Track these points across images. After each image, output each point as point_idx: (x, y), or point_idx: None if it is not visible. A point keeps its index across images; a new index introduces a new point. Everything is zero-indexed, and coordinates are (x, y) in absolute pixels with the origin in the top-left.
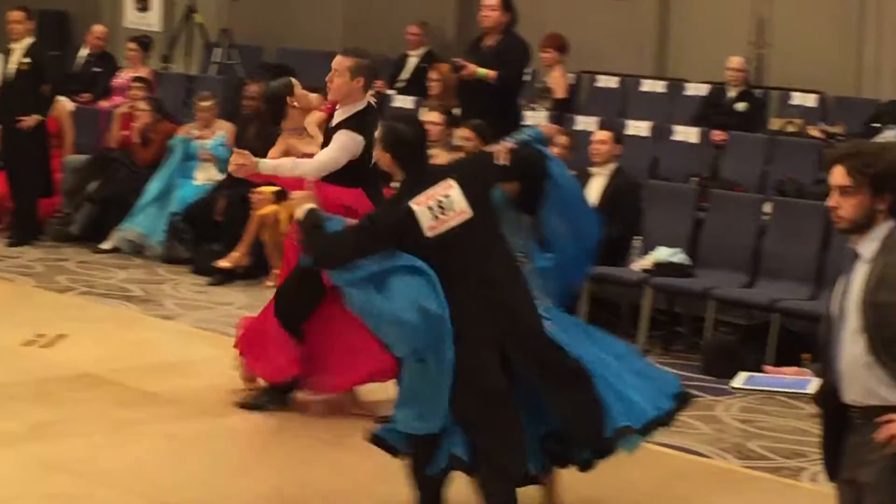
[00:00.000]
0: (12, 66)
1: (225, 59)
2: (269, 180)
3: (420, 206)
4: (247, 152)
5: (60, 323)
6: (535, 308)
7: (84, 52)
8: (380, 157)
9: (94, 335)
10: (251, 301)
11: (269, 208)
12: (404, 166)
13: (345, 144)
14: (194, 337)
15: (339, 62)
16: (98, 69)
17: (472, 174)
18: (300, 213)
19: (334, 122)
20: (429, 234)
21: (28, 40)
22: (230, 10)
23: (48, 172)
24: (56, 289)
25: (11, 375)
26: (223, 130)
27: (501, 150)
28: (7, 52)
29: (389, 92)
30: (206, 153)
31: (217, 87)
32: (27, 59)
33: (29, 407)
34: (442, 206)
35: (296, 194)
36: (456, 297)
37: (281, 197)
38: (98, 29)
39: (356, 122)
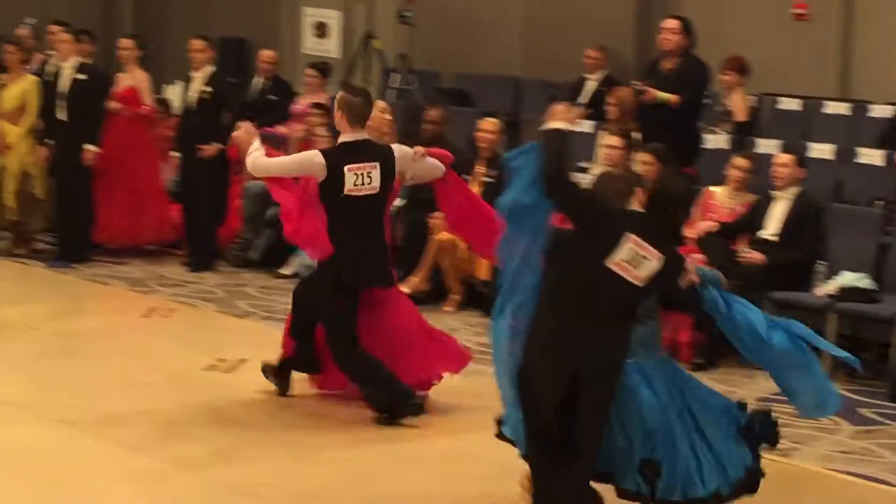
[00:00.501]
0: (193, 94)
1: (403, 84)
2: None
3: (630, 243)
4: (254, 131)
5: (241, 347)
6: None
7: (259, 80)
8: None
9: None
10: None
11: (448, 233)
12: (650, 206)
13: (298, 158)
14: None
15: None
16: (273, 96)
17: (673, 268)
18: (551, 126)
19: None
20: (609, 264)
21: (208, 69)
22: (408, 36)
23: (226, 200)
24: (236, 314)
25: (194, 400)
26: None
27: (689, 276)
28: (187, 81)
29: None
30: None
31: (395, 112)
32: (208, 88)
33: (212, 431)
34: (636, 260)
35: (557, 108)
36: (572, 324)
37: None
38: (266, 54)
39: (331, 149)
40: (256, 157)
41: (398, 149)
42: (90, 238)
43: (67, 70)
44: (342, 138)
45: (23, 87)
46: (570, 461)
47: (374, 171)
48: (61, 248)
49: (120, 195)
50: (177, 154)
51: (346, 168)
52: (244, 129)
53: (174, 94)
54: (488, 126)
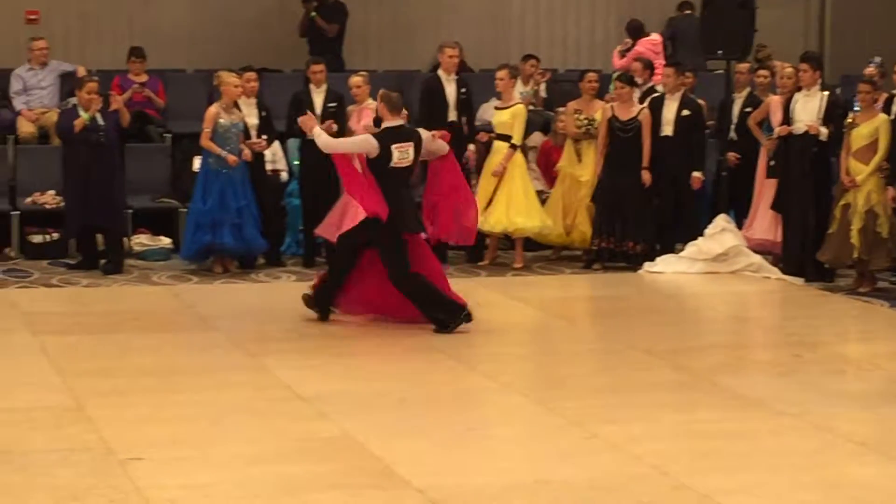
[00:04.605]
0: None
1: None
2: None
3: None
4: (310, 116)
5: None
6: None
7: None
8: None
9: None
10: None
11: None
12: None
13: (356, 139)
14: None
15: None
16: None
17: None
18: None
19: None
20: None
21: None
22: None
23: None
24: None
25: None
26: None
27: None
28: None
29: None
30: None
31: None
32: None
33: None
34: None
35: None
36: None
37: None
38: None
39: (380, 133)
40: (324, 138)
41: (423, 132)
42: None
43: None
44: (385, 124)
45: (875, 125)
46: None
47: (410, 149)
48: None
49: None
50: None
51: (393, 147)
52: (304, 118)
53: None
54: None
